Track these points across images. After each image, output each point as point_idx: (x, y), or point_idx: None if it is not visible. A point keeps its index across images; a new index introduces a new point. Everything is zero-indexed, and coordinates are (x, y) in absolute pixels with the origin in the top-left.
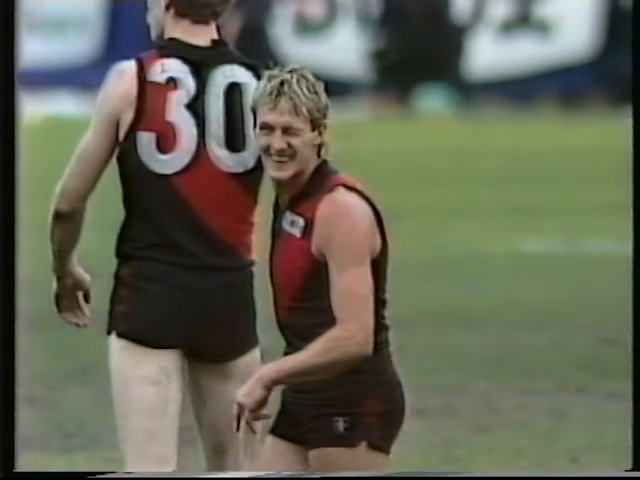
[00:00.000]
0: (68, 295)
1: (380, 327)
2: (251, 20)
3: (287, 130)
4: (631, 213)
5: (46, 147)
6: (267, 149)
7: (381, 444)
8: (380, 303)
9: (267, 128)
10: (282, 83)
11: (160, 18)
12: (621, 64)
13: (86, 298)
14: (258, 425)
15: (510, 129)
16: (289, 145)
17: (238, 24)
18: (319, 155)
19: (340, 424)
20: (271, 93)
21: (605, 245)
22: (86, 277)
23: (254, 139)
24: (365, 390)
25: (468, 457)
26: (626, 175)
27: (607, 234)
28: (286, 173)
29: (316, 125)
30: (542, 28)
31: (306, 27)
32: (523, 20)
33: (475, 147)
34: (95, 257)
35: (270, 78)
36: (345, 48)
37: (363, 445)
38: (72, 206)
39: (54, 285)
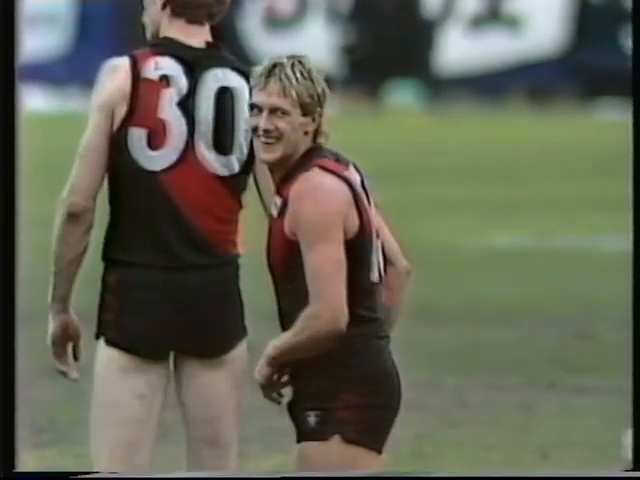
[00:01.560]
0: (59, 342)
1: (359, 319)
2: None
3: (274, 111)
4: (631, 209)
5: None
6: (255, 130)
7: (357, 438)
8: (363, 292)
9: (256, 108)
10: (274, 65)
11: (156, 17)
12: (590, 59)
13: (75, 353)
14: (282, 398)
15: (480, 124)
16: (276, 127)
17: None
18: (315, 142)
19: (312, 418)
20: (262, 74)
21: (575, 240)
22: (78, 326)
23: (242, 144)
24: (338, 384)
25: (437, 452)
26: (594, 169)
27: (577, 228)
28: (273, 155)
29: (308, 111)
30: (512, 23)
31: (276, 22)
32: (493, 15)
33: (445, 142)
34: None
35: (267, 61)
36: (315, 43)
37: (336, 439)
38: (84, 204)
39: (50, 327)
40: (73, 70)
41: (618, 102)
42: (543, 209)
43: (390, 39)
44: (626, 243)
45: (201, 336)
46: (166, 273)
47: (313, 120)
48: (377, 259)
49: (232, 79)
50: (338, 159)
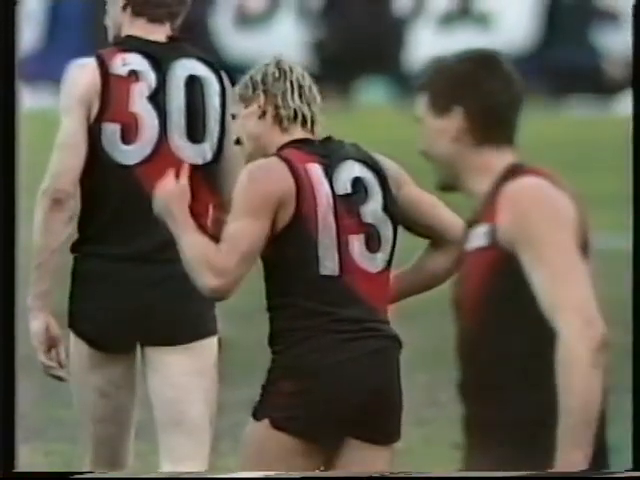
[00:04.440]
0: (45, 341)
1: (301, 311)
2: (191, 12)
3: (234, 119)
4: (631, 206)
5: None
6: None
7: (285, 425)
8: (308, 285)
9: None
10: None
11: (117, 19)
12: (561, 56)
13: (59, 356)
14: None
15: None
16: (235, 133)
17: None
18: (281, 125)
19: (257, 397)
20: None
21: None
22: (56, 326)
23: (213, 132)
24: (278, 370)
25: (407, 450)
26: (565, 166)
27: None
28: (246, 158)
29: (246, 99)
30: (482, 20)
31: (246, 19)
32: (463, 12)
33: (416, 140)
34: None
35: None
36: (285, 41)
37: (266, 422)
38: (68, 190)
39: (32, 325)
40: (44, 67)
41: (588, 99)
42: None
43: (361, 36)
44: (602, 240)
45: (166, 328)
46: (135, 265)
47: (259, 106)
48: (332, 253)
49: (199, 69)
50: (314, 152)
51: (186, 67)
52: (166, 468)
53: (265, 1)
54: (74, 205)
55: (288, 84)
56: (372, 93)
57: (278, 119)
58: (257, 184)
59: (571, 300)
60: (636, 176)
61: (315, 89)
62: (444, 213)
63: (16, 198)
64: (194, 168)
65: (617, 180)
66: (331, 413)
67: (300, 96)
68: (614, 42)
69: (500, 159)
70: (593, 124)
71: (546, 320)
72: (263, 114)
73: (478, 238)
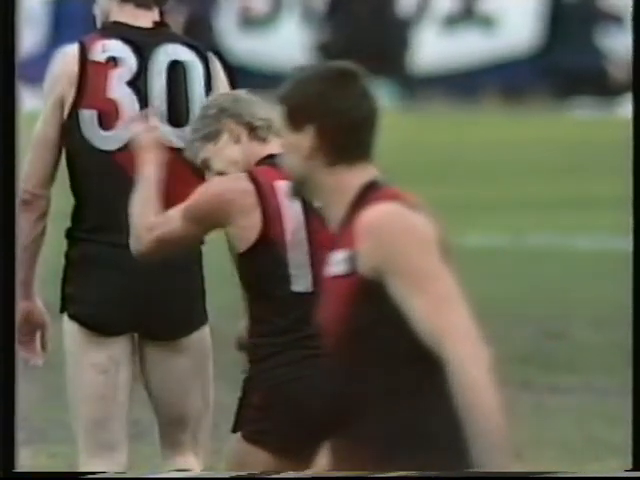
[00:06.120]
0: (21, 329)
1: (270, 327)
2: (196, 14)
3: None
4: (631, 209)
5: None
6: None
7: (256, 438)
8: (277, 302)
9: None
10: None
11: (105, 6)
12: (564, 58)
13: (42, 342)
14: None
15: (454, 123)
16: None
17: (183, 17)
18: (259, 138)
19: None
20: None
21: (549, 239)
22: (43, 313)
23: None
24: (251, 384)
25: None
26: (568, 168)
27: (551, 228)
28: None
29: (213, 135)
30: (486, 22)
31: (251, 21)
32: (467, 14)
33: (419, 141)
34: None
35: None
36: (290, 42)
37: (239, 434)
38: (34, 192)
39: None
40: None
41: (591, 101)
42: (516, 208)
43: (365, 38)
44: (599, 242)
45: (155, 314)
46: (122, 251)
47: (230, 133)
48: (305, 270)
49: (183, 53)
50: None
51: (168, 53)
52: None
53: (269, 3)
54: (43, 205)
55: (249, 101)
56: (376, 94)
57: (255, 134)
58: (215, 197)
59: (457, 325)
60: (636, 178)
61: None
62: None
63: (16, 199)
64: (177, 151)
65: (619, 181)
66: (297, 427)
67: (262, 108)
68: (617, 44)
69: (355, 178)
70: (596, 126)
71: (414, 344)
72: (238, 138)
73: (338, 264)
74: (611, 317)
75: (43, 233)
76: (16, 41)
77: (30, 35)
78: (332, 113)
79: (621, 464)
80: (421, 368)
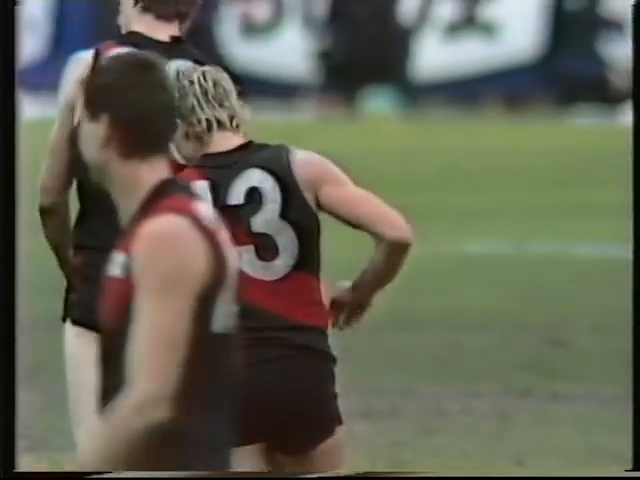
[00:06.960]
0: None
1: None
2: (197, 21)
3: None
4: (631, 217)
5: None
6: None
7: None
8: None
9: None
10: None
11: (128, 16)
12: (566, 66)
13: None
14: None
15: (456, 131)
16: None
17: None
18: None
19: None
20: None
21: (551, 247)
22: None
23: None
24: None
25: (414, 460)
26: (570, 176)
27: (553, 235)
28: None
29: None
30: (487, 30)
31: (252, 28)
32: (468, 22)
33: (421, 149)
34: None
35: None
36: (291, 49)
37: None
38: (52, 200)
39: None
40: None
41: (593, 109)
42: (519, 215)
43: (366, 45)
44: (600, 250)
45: None
46: None
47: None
48: None
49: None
50: (211, 166)
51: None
52: None
53: (271, 10)
54: (63, 211)
55: (192, 98)
56: (377, 102)
57: (196, 136)
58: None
59: (137, 355)
60: (637, 185)
61: (225, 83)
62: (366, 210)
63: (17, 207)
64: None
65: (620, 189)
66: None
67: (208, 102)
68: (619, 52)
69: (148, 173)
70: (597, 133)
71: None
72: (187, 135)
73: (115, 266)
74: (612, 325)
75: (68, 234)
76: (16, 48)
77: (31, 42)
78: (125, 103)
79: (622, 464)
80: None
